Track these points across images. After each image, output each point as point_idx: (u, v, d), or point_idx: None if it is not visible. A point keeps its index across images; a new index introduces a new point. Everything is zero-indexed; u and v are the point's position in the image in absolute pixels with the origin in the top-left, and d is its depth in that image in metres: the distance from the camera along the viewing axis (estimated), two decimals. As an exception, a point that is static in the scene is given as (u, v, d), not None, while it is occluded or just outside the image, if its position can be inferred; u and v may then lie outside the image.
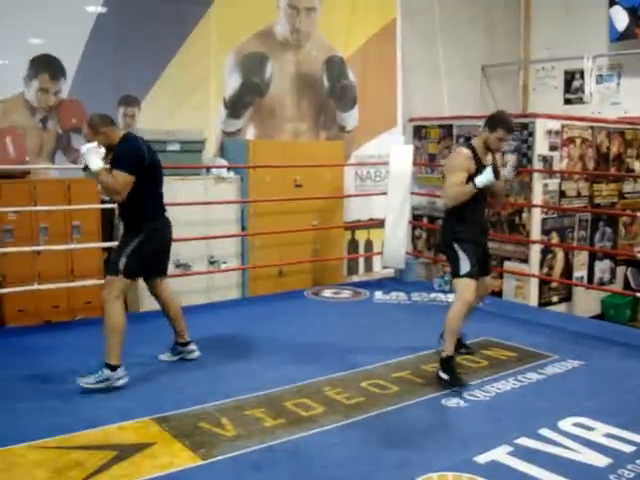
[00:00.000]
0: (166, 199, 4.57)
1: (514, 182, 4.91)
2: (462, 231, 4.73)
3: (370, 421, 4.08)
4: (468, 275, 4.65)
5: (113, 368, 4.49)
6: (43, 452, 3.61)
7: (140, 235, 4.63)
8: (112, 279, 4.58)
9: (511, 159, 4.55)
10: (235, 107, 7.51)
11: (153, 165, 4.68)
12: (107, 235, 6.51)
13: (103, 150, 4.47)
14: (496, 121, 4.71)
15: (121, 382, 4.52)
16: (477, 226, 4.85)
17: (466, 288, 4.64)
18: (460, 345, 5.10)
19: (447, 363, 4.63)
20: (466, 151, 4.71)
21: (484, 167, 4.60)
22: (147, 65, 6.84)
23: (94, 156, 4.41)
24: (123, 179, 4.48)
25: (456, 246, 4.71)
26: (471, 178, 4.61)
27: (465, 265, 4.65)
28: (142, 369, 4.87)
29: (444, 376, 4.58)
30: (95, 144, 4.46)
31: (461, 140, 8.02)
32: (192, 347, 5.15)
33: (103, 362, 4.51)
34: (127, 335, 4.55)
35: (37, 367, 4.90)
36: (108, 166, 4.54)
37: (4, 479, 3.32)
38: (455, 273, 4.72)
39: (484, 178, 4.54)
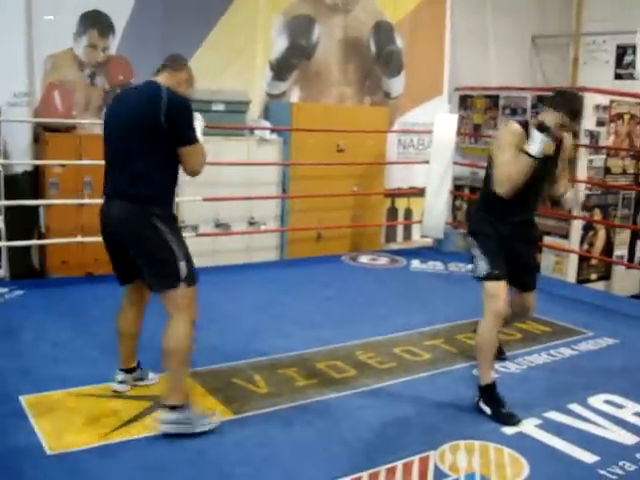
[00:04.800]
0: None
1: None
2: (483, 224, 3.87)
3: (401, 386, 4.13)
4: (487, 277, 3.74)
5: None
6: (80, 399, 3.72)
7: None
8: None
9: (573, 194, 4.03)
10: (281, 69, 7.50)
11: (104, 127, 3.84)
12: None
13: None
14: (560, 102, 3.63)
15: None
16: (510, 222, 3.83)
17: (490, 296, 3.73)
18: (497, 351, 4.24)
19: (486, 393, 3.79)
20: (516, 126, 3.70)
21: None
22: (195, 24, 6.83)
23: None
24: None
25: (470, 240, 3.91)
26: None
27: (482, 265, 3.77)
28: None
29: (486, 409, 3.75)
30: None
31: (507, 111, 7.94)
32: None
33: None
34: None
35: (78, 317, 5.02)
36: None
37: (42, 423, 3.43)
38: (474, 276, 3.86)
39: (538, 142, 3.52)
